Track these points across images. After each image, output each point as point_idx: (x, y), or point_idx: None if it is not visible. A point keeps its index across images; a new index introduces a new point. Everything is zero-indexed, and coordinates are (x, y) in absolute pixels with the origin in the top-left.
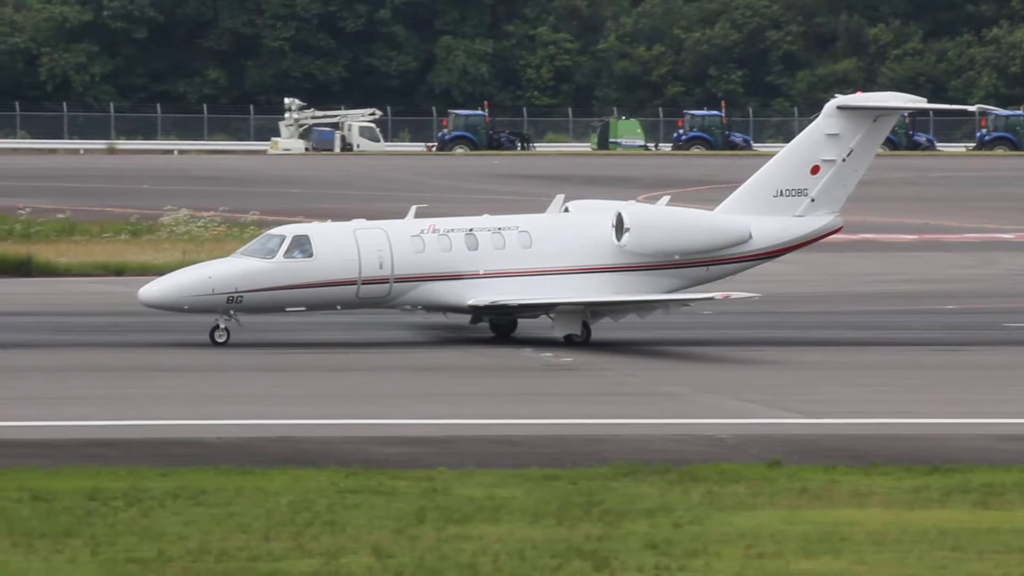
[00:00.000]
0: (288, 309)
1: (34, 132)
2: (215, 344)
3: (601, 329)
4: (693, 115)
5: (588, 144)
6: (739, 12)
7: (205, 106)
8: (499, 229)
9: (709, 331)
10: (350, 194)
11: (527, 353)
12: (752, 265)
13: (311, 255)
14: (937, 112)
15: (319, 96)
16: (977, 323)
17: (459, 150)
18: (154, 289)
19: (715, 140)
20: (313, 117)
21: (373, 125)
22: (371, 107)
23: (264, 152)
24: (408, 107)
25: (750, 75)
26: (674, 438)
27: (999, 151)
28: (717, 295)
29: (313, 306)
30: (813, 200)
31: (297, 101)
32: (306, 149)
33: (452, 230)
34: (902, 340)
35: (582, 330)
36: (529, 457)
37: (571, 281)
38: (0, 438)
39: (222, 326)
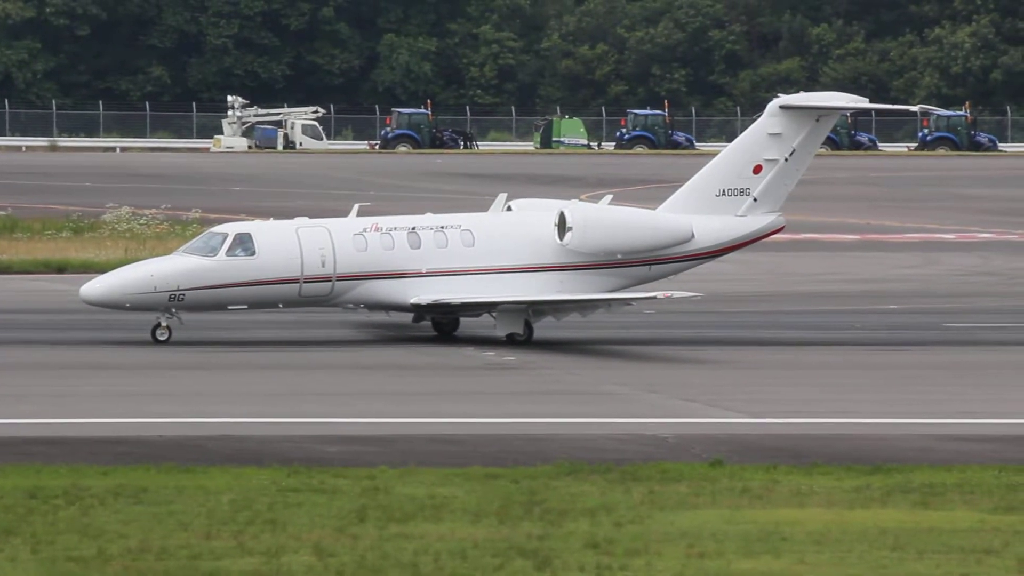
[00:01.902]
0: (230, 307)
1: None
2: (157, 342)
3: (543, 328)
4: (636, 114)
5: (531, 143)
6: (682, 11)
7: (148, 103)
8: (442, 228)
9: (651, 330)
10: (293, 192)
11: (469, 352)
12: (694, 264)
13: (253, 253)
14: (879, 112)
15: (262, 94)
16: (918, 323)
17: (402, 148)
18: (96, 287)
19: (658, 139)
20: (256, 115)
21: (316, 123)
22: (314, 105)
23: (207, 150)
24: (351, 105)
25: (693, 74)
26: (616, 437)
27: (941, 151)
28: (659, 294)
29: (255, 304)
30: (755, 199)
31: (240, 99)
32: (249, 147)
33: (395, 229)
34: (844, 340)
35: (524, 329)
36: (471, 456)
37: (513, 280)
38: None
39: (164, 324)
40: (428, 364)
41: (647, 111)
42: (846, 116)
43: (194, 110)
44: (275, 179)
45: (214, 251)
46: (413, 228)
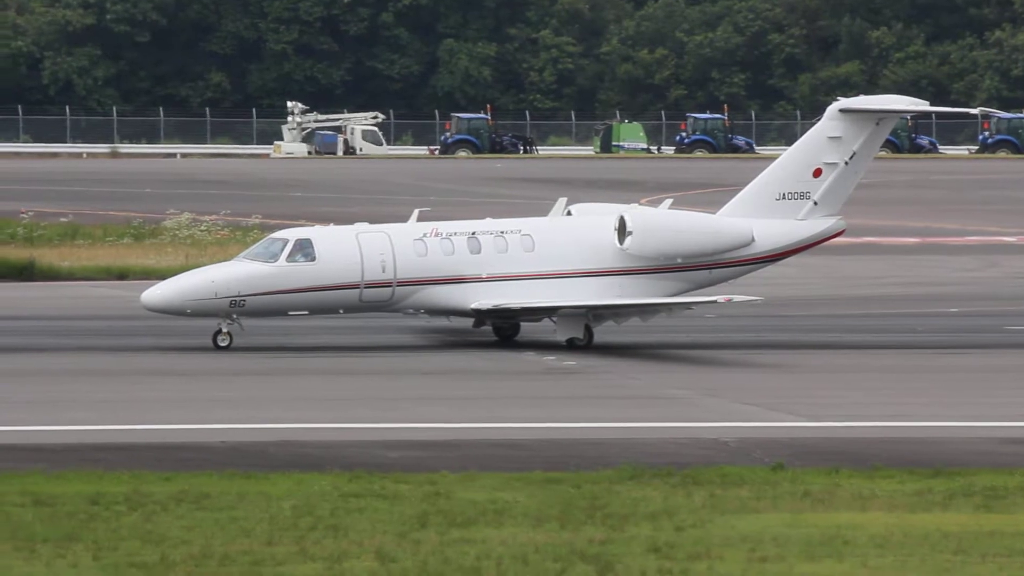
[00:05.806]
0: (291, 313)
1: (37, 136)
2: (218, 348)
3: (604, 332)
4: (696, 118)
5: (591, 147)
6: (741, 15)
7: (208, 110)
8: (502, 232)
9: (711, 334)
10: (353, 197)
11: (530, 356)
12: (754, 268)
13: (314, 259)
14: (940, 115)
15: (322, 99)
16: (979, 326)
17: (462, 153)
18: (157, 293)
19: (718, 143)
20: (316, 120)
21: (376, 128)
22: (374, 110)
23: (267, 156)
24: (411, 110)
25: (752, 78)
26: (677, 441)
27: (1002, 154)
28: (720, 298)
29: (316, 310)
30: (815, 203)
31: (300, 104)
32: (309, 152)
33: (455, 233)
34: (904, 343)
35: (585, 333)
36: (532, 461)
37: (574, 284)
38: (2, 442)
39: (225, 330)
40: (488, 369)
41: (707, 115)
42: (906, 119)
43: (254, 116)
44: (335, 184)
45: (275, 257)
46: (473, 233)
